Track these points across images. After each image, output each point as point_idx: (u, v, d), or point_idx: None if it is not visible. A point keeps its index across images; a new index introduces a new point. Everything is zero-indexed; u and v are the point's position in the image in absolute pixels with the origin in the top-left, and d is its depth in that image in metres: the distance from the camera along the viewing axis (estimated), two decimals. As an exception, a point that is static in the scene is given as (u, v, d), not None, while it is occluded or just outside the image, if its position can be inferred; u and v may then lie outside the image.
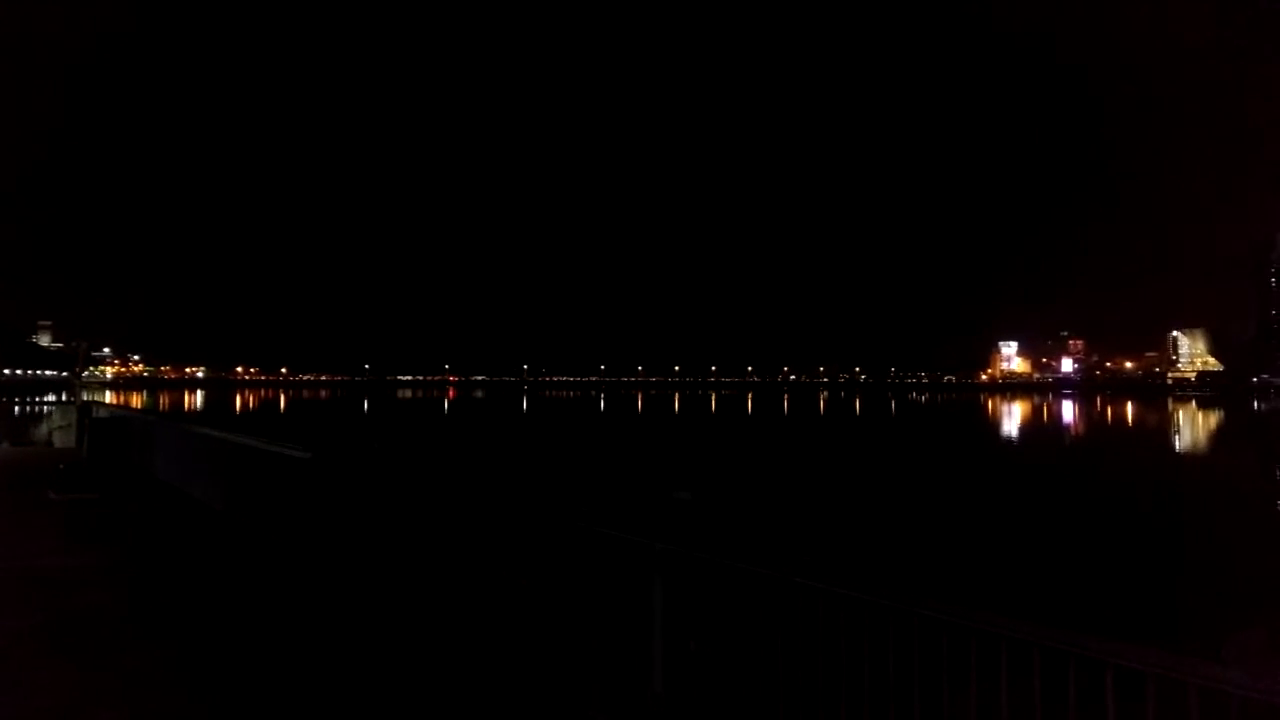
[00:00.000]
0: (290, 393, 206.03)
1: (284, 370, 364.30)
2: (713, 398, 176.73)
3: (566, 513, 5.85)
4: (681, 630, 5.00)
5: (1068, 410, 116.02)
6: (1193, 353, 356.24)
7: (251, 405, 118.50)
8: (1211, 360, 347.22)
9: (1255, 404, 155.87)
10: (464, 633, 6.72)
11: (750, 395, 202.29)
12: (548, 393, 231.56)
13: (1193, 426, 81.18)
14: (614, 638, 5.38)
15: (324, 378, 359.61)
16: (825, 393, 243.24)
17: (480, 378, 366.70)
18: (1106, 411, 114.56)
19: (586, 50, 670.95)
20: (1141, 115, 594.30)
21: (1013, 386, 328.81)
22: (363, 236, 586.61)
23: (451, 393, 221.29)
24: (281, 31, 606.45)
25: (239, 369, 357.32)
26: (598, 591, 5.51)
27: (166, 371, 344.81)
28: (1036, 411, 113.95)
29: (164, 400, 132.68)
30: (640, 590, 5.19)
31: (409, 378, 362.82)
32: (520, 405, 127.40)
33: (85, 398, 35.62)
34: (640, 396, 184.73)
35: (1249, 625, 2.88)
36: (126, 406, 44.36)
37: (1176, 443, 61.78)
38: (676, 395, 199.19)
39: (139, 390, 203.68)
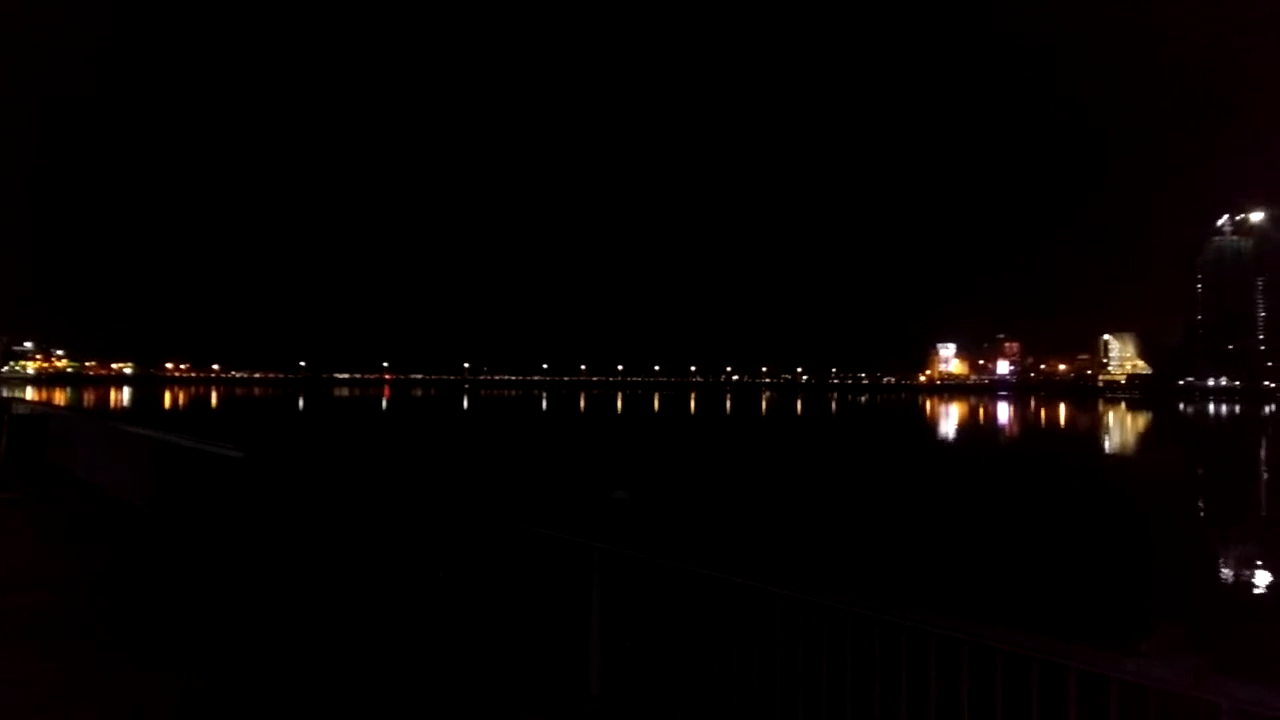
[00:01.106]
0: (222, 390, 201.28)
1: (216, 367, 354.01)
2: (655, 397, 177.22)
3: (505, 513, 5.81)
4: (619, 631, 4.99)
5: (1001, 412, 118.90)
6: (1123, 356, 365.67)
7: (181, 403, 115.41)
8: (1141, 363, 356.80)
9: (1181, 406, 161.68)
10: (399, 633, 6.63)
11: (693, 395, 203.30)
12: (490, 391, 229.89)
13: (1121, 428, 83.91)
14: (552, 639, 5.35)
15: (258, 375, 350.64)
16: (767, 393, 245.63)
17: (419, 376, 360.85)
18: (1039, 414, 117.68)
19: (546, 49, 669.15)
20: (1075, 122, 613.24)
21: (950, 388, 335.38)
22: (298, 230, 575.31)
23: (387, 391, 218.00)
24: (229, 25, 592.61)
25: (168, 365, 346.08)
26: (536, 592, 5.48)
27: (92, 367, 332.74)
28: (971, 413, 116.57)
29: (89, 397, 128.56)
30: (578, 591, 5.17)
31: (346, 375, 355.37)
32: (460, 404, 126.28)
33: (5, 394, 34.36)
34: (582, 396, 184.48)
35: (1168, 620, 2.97)
36: (49, 403, 42.88)
37: (1106, 444, 63.80)
38: (619, 394, 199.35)
39: (63, 386, 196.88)
